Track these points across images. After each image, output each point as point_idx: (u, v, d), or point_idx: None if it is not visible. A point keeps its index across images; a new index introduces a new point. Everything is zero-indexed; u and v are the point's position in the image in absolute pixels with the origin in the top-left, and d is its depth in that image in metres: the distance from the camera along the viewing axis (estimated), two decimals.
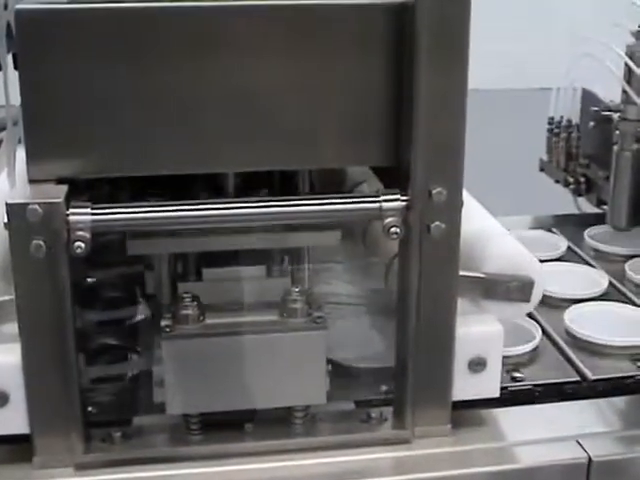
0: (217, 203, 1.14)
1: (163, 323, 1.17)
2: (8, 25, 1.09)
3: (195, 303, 1.17)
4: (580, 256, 1.85)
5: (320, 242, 1.25)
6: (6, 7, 1.11)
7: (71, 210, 1.08)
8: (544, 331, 1.50)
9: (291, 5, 1.12)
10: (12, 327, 1.12)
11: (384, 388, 1.28)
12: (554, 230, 1.95)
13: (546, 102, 2.03)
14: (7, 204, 1.06)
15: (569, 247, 1.86)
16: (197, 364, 1.17)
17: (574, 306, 1.57)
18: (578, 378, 1.38)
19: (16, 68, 1.14)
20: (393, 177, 1.17)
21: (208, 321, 1.18)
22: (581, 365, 1.41)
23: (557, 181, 2.06)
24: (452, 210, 1.13)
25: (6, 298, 1.13)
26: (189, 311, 1.17)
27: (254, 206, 1.14)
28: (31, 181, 1.10)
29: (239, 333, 1.17)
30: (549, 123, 2.05)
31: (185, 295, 1.18)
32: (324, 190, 1.33)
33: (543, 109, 2.05)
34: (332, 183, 1.40)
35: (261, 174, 1.31)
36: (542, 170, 2.12)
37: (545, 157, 2.09)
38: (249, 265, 1.26)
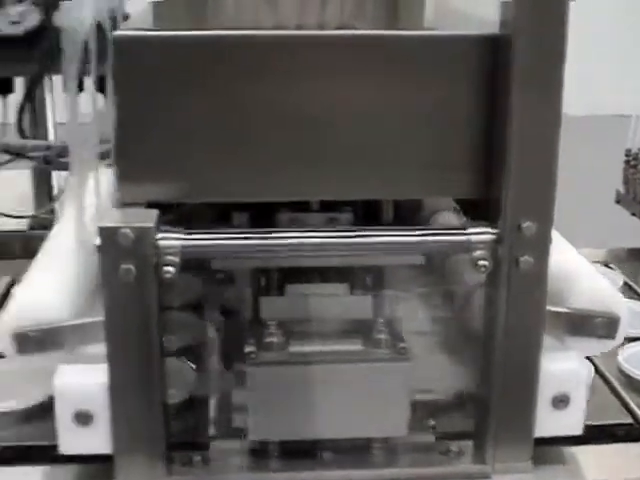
0: (301, 232, 1.14)
1: (247, 349, 1.17)
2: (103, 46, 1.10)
3: (280, 330, 1.18)
4: (636, 292, 1.82)
5: (404, 261, 1.23)
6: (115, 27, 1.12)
7: (161, 235, 1.08)
8: (597, 370, 1.47)
9: (381, 35, 1.13)
10: (95, 349, 1.12)
11: (463, 421, 1.27)
12: (611, 265, 1.93)
13: (624, 130, 2.01)
14: (99, 227, 1.07)
15: (625, 282, 1.84)
16: (280, 391, 1.17)
17: (628, 345, 1.53)
18: (631, 420, 1.36)
19: (100, 91, 1.16)
20: (474, 207, 1.16)
21: (292, 349, 1.18)
22: (635, 407, 1.38)
23: (634, 214, 2.03)
24: (542, 244, 1.11)
25: (90, 320, 1.13)
26: (274, 338, 1.17)
27: (337, 236, 1.14)
28: (121, 204, 1.11)
29: (323, 362, 1.17)
30: (626, 155, 2.02)
31: (270, 321, 1.18)
32: (400, 213, 1.32)
33: (621, 137, 2.03)
34: (408, 208, 1.39)
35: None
36: (618, 202, 2.09)
37: (622, 188, 2.07)
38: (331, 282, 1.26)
